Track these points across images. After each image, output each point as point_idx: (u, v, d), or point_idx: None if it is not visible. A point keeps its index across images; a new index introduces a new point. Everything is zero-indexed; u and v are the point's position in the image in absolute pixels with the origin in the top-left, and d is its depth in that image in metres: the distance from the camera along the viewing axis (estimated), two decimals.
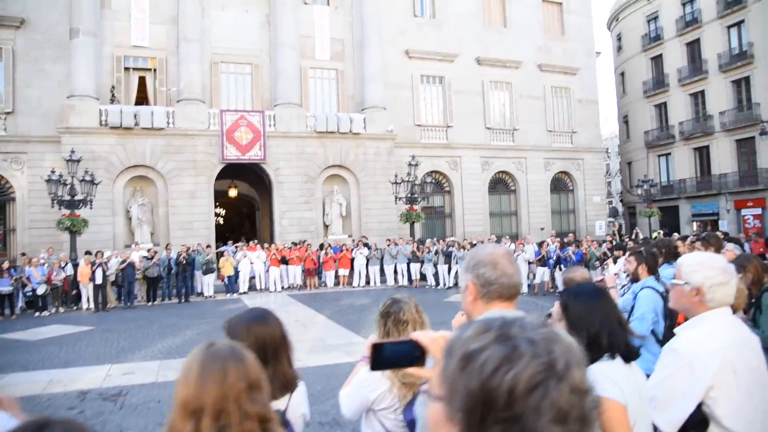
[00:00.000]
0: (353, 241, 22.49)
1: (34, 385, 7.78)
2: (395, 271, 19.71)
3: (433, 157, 28.04)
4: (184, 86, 22.67)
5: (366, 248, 19.90)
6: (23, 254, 19.02)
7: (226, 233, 39.55)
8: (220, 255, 19.86)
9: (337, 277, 19.54)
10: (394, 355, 1.26)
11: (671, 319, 4.11)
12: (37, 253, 17.61)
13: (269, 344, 2.02)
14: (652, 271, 4.98)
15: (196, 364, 1.44)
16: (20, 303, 15.73)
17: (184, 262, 16.76)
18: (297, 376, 2.17)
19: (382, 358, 1.25)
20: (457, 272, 18.51)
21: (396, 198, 22.13)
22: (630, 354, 1.99)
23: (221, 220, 44.61)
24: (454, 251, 18.54)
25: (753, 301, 3.94)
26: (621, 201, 45.26)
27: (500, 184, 30.28)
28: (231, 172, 26.48)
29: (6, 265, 15.10)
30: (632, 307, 4.62)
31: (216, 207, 40.46)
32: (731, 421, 1.97)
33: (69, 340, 11.28)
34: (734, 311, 3.83)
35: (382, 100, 25.89)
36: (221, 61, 24.30)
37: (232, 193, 28.81)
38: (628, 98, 38.98)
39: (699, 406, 2.00)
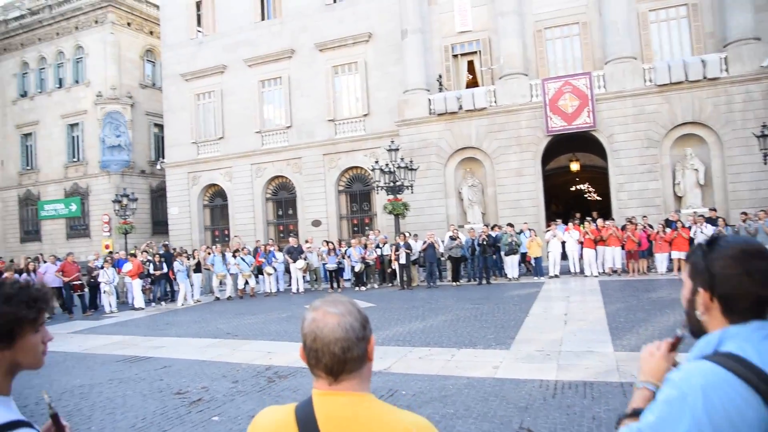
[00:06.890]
0: (712, 214, 18.03)
1: (247, 354, 8.99)
2: None
3: None
4: (504, 62, 22.24)
5: (708, 225, 15.69)
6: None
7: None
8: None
9: (671, 260, 16.07)
10: None
11: None
12: (389, 234, 20.21)
13: None
14: None
15: None
16: (351, 278, 18.15)
17: (485, 243, 16.45)
18: None
19: None
20: None
21: (765, 156, 16.72)
22: None
23: (597, 197, 42.29)
24: None
25: None
26: None
27: None
28: (574, 145, 24.76)
29: (331, 245, 17.78)
30: None
31: (580, 183, 38.92)
32: None
33: None
34: None
35: (753, 29, 19.86)
36: (544, 28, 22.82)
37: (574, 167, 26.91)
38: None
39: None
